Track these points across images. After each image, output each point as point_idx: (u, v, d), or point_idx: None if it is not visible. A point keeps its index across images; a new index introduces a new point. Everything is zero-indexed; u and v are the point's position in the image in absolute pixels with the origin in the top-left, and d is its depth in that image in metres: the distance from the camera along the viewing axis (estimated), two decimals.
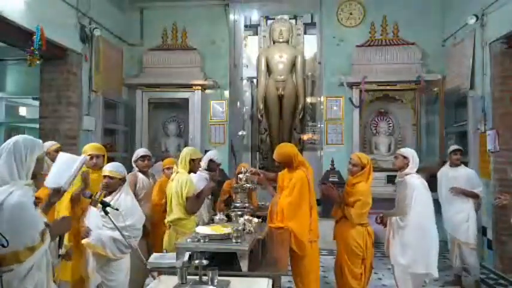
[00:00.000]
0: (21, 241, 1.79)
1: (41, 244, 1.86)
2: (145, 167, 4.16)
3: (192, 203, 3.44)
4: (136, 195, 3.89)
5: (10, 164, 1.93)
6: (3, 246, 1.68)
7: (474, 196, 4.57)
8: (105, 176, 3.14)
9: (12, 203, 1.80)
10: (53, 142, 4.22)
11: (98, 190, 3.20)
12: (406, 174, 3.66)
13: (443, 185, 4.73)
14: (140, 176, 4.06)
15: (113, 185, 3.13)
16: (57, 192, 2.35)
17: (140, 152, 4.26)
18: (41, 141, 2.16)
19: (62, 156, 2.64)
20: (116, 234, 2.95)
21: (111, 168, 3.17)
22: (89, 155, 3.44)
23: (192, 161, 3.55)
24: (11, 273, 1.77)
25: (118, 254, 3.10)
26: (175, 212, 3.42)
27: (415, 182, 3.58)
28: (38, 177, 2.08)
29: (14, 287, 1.79)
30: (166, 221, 3.50)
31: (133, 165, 4.18)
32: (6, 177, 1.90)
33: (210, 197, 4.28)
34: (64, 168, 2.49)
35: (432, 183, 4.24)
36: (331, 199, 3.76)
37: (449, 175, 4.70)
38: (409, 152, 3.75)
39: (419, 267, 3.51)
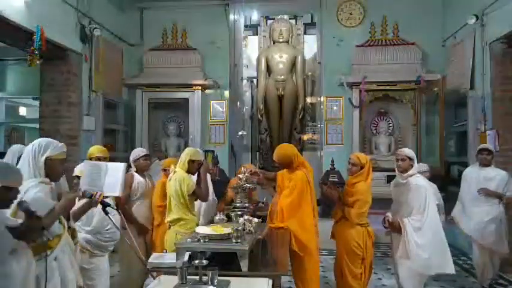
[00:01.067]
0: (49, 231, 2.01)
1: (64, 230, 2.12)
2: (146, 166, 4.08)
3: (200, 193, 3.47)
4: (131, 196, 3.86)
5: (28, 163, 2.14)
6: (48, 239, 1.93)
7: (499, 197, 4.30)
8: (75, 177, 2.98)
9: (30, 199, 1.95)
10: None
11: None
12: (410, 176, 3.62)
13: (473, 185, 4.43)
14: (136, 176, 3.97)
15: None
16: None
17: (141, 151, 4.15)
18: (59, 143, 2.27)
19: (89, 165, 2.84)
20: (89, 236, 3.04)
21: (83, 169, 2.94)
22: (97, 157, 3.67)
23: (191, 162, 3.52)
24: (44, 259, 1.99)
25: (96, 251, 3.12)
26: (174, 212, 3.41)
27: (423, 183, 3.54)
28: (52, 178, 2.23)
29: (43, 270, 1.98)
30: (166, 221, 3.49)
31: (132, 165, 4.07)
32: (25, 175, 2.08)
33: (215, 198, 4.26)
34: (97, 176, 2.70)
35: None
36: (332, 200, 3.76)
37: (481, 176, 4.41)
38: (412, 153, 3.68)
39: (433, 269, 3.48)
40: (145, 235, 3.91)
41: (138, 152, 4.12)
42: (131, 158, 4.08)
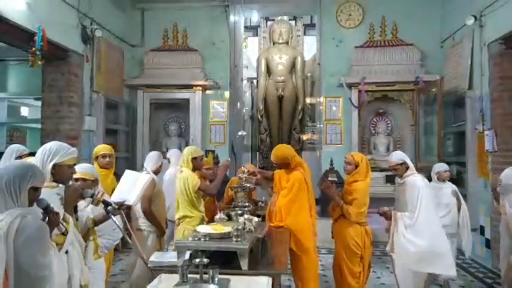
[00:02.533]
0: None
1: (68, 227, 2.16)
2: (161, 170, 4.00)
3: (205, 188, 3.57)
4: (149, 197, 3.71)
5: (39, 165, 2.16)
6: (63, 234, 2.00)
7: None
8: (77, 179, 2.84)
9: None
10: (23, 147, 3.89)
11: (109, 189, 3.26)
12: (408, 176, 3.60)
13: None
14: (156, 179, 3.83)
15: (86, 188, 2.83)
16: (120, 206, 2.79)
17: (162, 158, 4.01)
18: (69, 149, 2.31)
19: (128, 174, 3.08)
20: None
21: (83, 170, 2.93)
22: (103, 154, 3.88)
23: (194, 159, 3.62)
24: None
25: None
26: (181, 210, 3.52)
27: (419, 183, 3.51)
28: (59, 181, 2.27)
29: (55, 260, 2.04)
30: (175, 218, 3.58)
31: (153, 168, 3.85)
32: None
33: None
34: (130, 185, 2.93)
35: None
36: (330, 197, 3.79)
37: None
38: (402, 156, 3.65)
39: (423, 266, 3.43)
40: (162, 236, 3.92)
41: (160, 158, 3.99)
42: (152, 162, 3.88)
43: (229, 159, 4.29)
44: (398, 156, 3.69)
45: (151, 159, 3.91)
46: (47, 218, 1.93)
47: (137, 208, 3.74)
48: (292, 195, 3.44)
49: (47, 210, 1.92)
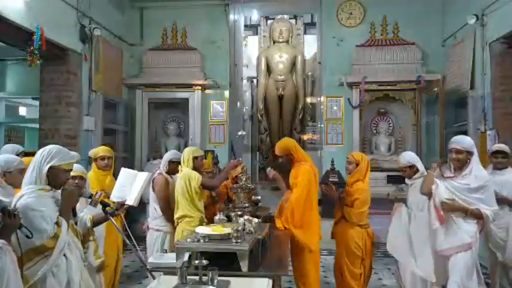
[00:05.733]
0: (42, 235, 2.02)
1: (60, 231, 2.10)
2: (176, 169, 3.86)
3: (207, 182, 3.56)
4: (165, 196, 3.73)
5: (33, 168, 2.16)
6: (28, 237, 1.90)
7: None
8: (75, 177, 2.87)
9: (22, 205, 2.01)
10: (18, 146, 3.89)
11: (107, 190, 3.24)
12: (416, 178, 3.52)
13: None
14: (169, 178, 3.83)
15: (82, 186, 2.98)
16: (121, 206, 2.86)
17: (176, 154, 3.94)
18: (69, 153, 2.28)
19: (125, 172, 3.05)
20: None
21: (82, 169, 3.03)
22: (102, 156, 3.84)
23: (195, 158, 3.60)
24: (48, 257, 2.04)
25: None
26: (180, 209, 3.49)
27: None
28: (54, 185, 2.20)
29: (50, 265, 2.04)
30: (175, 218, 3.56)
31: (167, 167, 3.84)
32: (27, 180, 2.15)
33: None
34: (128, 184, 2.92)
35: None
36: (331, 199, 3.75)
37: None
38: (412, 159, 3.58)
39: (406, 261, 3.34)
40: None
41: (174, 154, 3.96)
42: (169, 159, 3.87)
43: (241, 159, 4.24)
44: (407, 158, 3.59)
45: (167, 156, 3.95)
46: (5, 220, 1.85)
47: (152, 209, 3.79)
48: (304, 189, 3.36)
49: (3, 212, 1.85)
